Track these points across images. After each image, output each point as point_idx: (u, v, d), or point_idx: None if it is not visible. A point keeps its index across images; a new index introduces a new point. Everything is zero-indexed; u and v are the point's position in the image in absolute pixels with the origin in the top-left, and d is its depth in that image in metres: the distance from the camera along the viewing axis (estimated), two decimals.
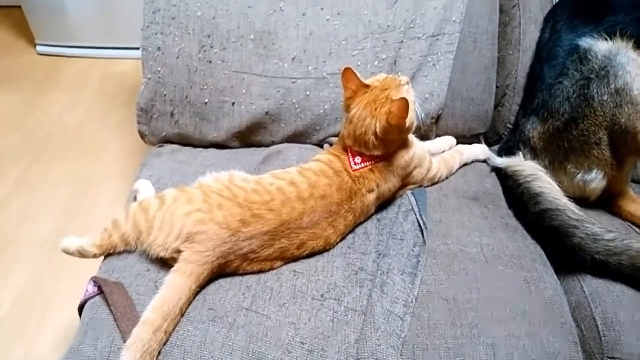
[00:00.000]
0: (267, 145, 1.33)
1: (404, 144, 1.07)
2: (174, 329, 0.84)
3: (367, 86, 1.04)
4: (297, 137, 1.32)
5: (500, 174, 1.26)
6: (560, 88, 1.16)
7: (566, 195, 1.12)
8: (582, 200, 1.15)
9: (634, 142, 1.08)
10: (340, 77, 1.05)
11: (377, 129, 0.99)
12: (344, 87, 1.05)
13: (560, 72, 1.18)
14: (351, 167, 1.03)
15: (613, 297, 0.98)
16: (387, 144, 1.03)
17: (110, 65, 2.47)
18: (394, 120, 0.96)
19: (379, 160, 1.04)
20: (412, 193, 1.16)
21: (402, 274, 0.97)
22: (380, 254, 1.01)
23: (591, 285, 1.01)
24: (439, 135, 1.36)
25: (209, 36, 1.23)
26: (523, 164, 1.21)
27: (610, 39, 1.13)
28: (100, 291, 0.89)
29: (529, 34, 1.35)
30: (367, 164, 1.03)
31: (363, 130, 1.01)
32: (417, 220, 1.08)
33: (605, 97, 1.09)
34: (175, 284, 0.85)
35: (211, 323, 0.85)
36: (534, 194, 1.13)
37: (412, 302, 0.92)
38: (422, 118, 1.09)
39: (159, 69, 1.25)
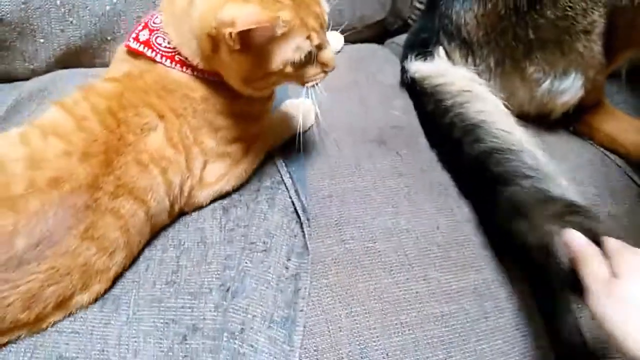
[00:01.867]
0: (24, 79, 0.81)
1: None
2: None
3: None
4: (73, 58, 0.81)
5: (415, 89, 0.81)
6: None
7: (520, 123, 0.70)
8: (533, 117, 0.75)
9: None
10: None
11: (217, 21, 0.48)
12: None
13: None
14: (127, 41, 0.57)
15: None
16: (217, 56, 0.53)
17: None
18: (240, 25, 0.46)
19: (192, 70, 0.56)
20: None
21: (270, 325, 0.53)
22: (228, 290, 0.55)
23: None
24: None
25: None
26: (450, 73, 0.77)
27: None
28: None
29: None
30: (165, 55, 0.56)
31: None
32: (292, 203, 0.63)
33: None
34: None
35: None
36: (471, 125, 0.70)
37: None
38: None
39: None
